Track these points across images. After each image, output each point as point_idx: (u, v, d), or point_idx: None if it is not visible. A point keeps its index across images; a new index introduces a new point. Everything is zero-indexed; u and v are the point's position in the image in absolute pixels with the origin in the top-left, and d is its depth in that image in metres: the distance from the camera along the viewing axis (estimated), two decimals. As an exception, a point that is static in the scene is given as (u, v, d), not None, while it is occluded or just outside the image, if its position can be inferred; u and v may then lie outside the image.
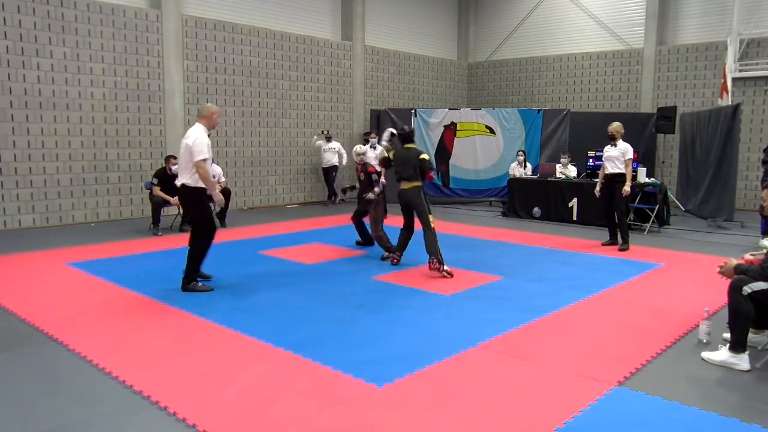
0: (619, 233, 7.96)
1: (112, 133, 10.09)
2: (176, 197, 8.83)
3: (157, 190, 8.86)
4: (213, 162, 9.71)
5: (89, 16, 9.69)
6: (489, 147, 13.14)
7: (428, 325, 4.73)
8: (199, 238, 5.66)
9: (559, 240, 8.66)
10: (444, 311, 5.10)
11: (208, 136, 5.65)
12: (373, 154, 9.44)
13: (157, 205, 8.89)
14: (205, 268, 5.99)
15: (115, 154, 10.15)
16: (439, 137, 13.38)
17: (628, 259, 7.31)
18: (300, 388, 3.52)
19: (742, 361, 3.84)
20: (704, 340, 4.31)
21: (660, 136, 13.11)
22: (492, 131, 13.11)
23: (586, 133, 12.04)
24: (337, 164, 12.39)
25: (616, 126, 8.02)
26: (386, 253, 7.15)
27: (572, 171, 10.98)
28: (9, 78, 8.93)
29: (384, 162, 6.99)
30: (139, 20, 10.27)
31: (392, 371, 3.73)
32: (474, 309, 5.16)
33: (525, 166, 11.77)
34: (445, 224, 10.13)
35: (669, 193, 10.18)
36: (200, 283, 5.69)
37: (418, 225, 6.76)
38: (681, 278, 6.39)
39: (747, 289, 3.80)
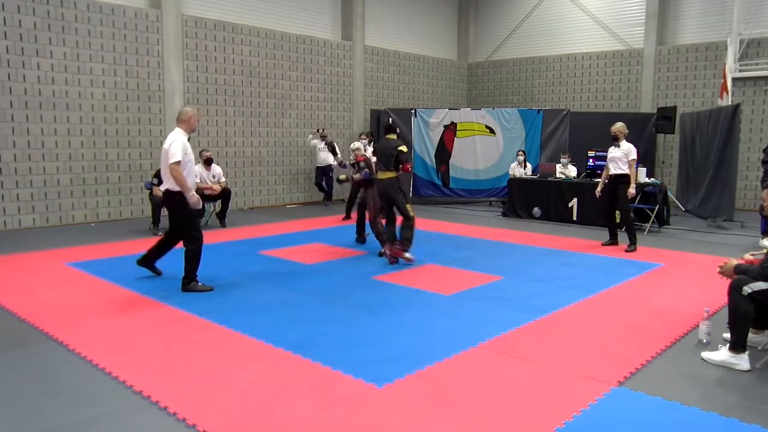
0: (627, 234, 7.91)
1: (112, 133, 10.09)
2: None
3: (157, 190, 8.83)
4: (213, 162, 9.75)
5: (89, 16, 9.69)
6: (489, 147, 13.14)
7: (428, 325, 4.74)
8: (190, 240, 5.69)
9: (559, 240, 8.66)
10: (444, 311, 5.10)
11: (188, 139, 5.69)
12: (370, 151, 9.58)
13: (157, 205, 8.88)
14: (205, 267, 5.98)
15: (115, 154, 10.15)
16: (439, 137, 13.38)
17: (628, 259, 7.31)
18: (300, 388, 3.52)
19: (742, 361, 3.84)
20: (704, 340, 4.31)
21: (660, 136, 13.12)
22: (492, 131, 13.11)
23: (586, 133, 12.05)
24: (332, 163, 12.32)
25: (619, 126, 7.98)
26: (382, 249, 7.20)
27: (572, 171, 10.98)
28: (9, 78, 8.93)
29: (375, 153, 7.36)
30: (139, 20, 10.27)
31: (392, 371, 3.73)
32: (474, 309, 5.16)
33: (525, 166, 11.78)
34: (445, 224, 10.14)
35: (669, 193, 10.18)
36: (200, 283, 5.69)
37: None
38: (681, 278, 6.39)
39: (747, 289, 3.80)
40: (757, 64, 12.30)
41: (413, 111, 13.45)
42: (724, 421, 3.17)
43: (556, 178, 10.77)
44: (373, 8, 14.37)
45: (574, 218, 10.24)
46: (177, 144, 5.48)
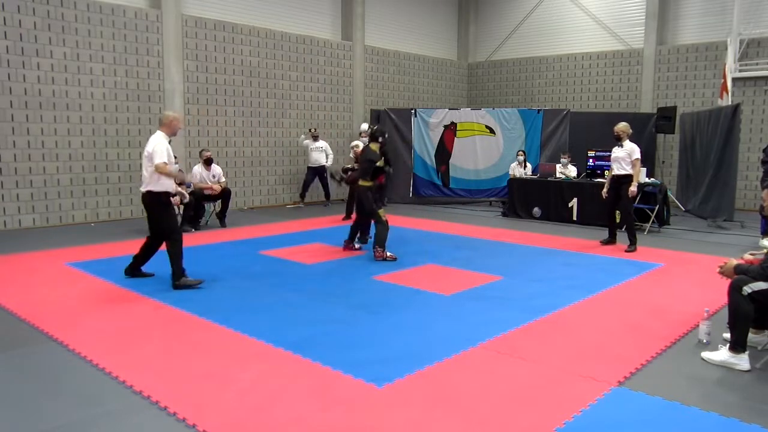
0: (627, 234, 7.90)
1: (112, 133, 10.09)
2: (176, 197, 8.85)
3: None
4: (213, 162, 9.75)
5: (89, 16, 9.69)
6: (489, 147, 13.13)
7: (428, 325, 4.74)
8: (172, 240, 5.78)
9: (559, 240, 8.66)
10: (444, 311, 5.10)
11: (169, 142, 5.85)
12: None
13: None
14: (205, 267, 5.98)
15: (115, 154, 10.16)
16: (439, 137, 13.37)
17: (628, 259, 7.31)
18: (300, 388, 3.52)
19: (742, 361, 3.84)
20: (704, 340, 4.31)
21: (660, 136, 13.11)
22: (492, 131, 13.11)
23: (586, 133, 12.05)
24: (325, 164, 12.28)
25: (622, 126, 7.95)
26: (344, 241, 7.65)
27: (572, 171, 10.98)
28: (9, 78, 8.93)
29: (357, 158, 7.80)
30: (139, 20, 10.27)
31: (392, 371, 3.73)
32: (474, 309, 5.16)
33: (525, 166, 11.77)
34: (445, 224, 10.14)
35: (669, 193, 10.18)
36: (189, 279, 5.78)
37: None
38: (681, 278, 6.39)
39: (747, 289, 3.80)
40: (757, 64, 12.30)
41: (413, 111, 13.45)
42: (724, 421, 3.17)
43: (556, 178, 10.77)
44: (373, 8, 14.37)
45: (574, 218, 10.24)
46: (161, 146, 5.69)
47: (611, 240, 8.18)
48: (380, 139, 7.31)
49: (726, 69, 11.70)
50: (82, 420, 3.14)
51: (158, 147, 5.69)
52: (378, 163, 7.18)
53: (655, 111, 13.00)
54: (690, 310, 5.09)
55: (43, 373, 3.75)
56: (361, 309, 5.13)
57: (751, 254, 4.46)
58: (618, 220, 8.29)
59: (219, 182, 9.64)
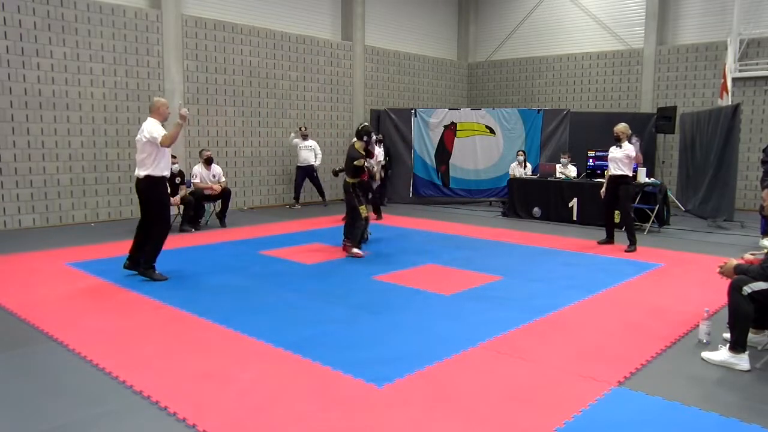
0: (627, 235, 7.91)
1: (112, 133, 10.09)
2: (176, 197, 8.86)
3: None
4: (213, 162, 9.74)
5: (89, 16, 9.69)
6: (489, 147, 13.14)
7: (428, 325, 4.73)
8: (161, 224, 5.95)
9: (559, 240, 8.66)
10: (444, 311, 5.10)
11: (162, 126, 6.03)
12: (376, 150, 9.68)
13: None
14: (205, 267, 5.98)
15: (115, 154, 10.16)
16: (439, 137, 13.38)
17: (628, 259, 7.31)
18: (300, 388, 3.52)
19: (742, 361, 3.84)
20: (704, 340, 4.30)
21: (660, 136, 13.12)
22: (492, 131, 13.11)
23: (586, 133, 12.05)
24: (314, 163, 12.19)
25: (621, 127, 7.96)
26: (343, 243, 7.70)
27: (572, 171, 10.98)
28: (9, 78, 8.93)
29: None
30: (139, 20, 10.27)
31: (392, 371, 3.73)
32: (474, 309, 5.15)
33: (525, 166, 11.77)
34: (445, 224, 10.14)
35: (669, 193, 10.18)
36: (157, 272, 5.86)
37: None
38: (681, 278, 6.39)
39: (747, 289, 3.80)
40: (757, 64, 12.30)
41: (413, 111, 13.45)
42: (724, 421, 3.17)
43: (556, 178, 10.77)
44: (373, 8, 14.37)
45: (574, 218, 10.24)
46: (158, 127, 5.90)
47: (609, 240, 8.18)
48: (365, 138, 7.39)
49: (726, 69, 11.70)
50: (82, 420, 3.14)
51: (155, 128, 5.85)
52: (356, 162, 7.29)
53: (655, 111, 13.00)
54: (690, 310, 5.09)
55: (43, 373, 3.75)
56: (361, 309, 5.12)
57: (751, 254, 4.45)
58: (617, 221, 8.29)
59: (219, 182, 9.64)
